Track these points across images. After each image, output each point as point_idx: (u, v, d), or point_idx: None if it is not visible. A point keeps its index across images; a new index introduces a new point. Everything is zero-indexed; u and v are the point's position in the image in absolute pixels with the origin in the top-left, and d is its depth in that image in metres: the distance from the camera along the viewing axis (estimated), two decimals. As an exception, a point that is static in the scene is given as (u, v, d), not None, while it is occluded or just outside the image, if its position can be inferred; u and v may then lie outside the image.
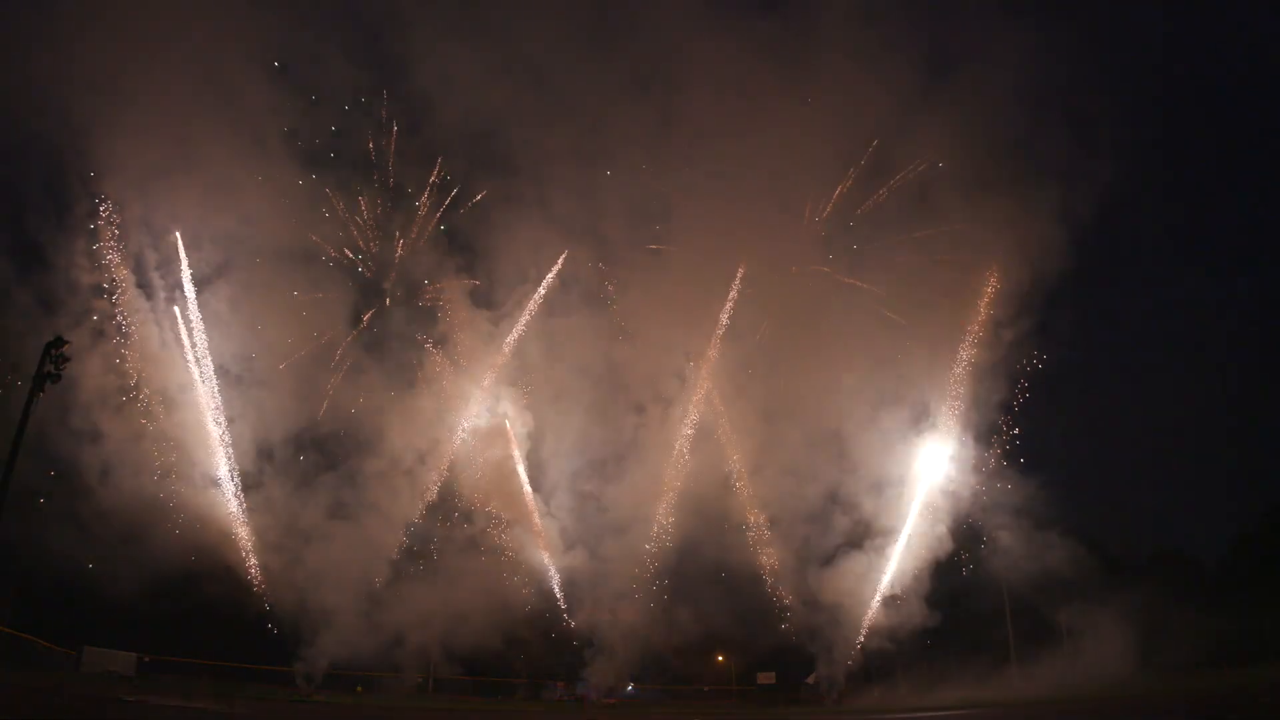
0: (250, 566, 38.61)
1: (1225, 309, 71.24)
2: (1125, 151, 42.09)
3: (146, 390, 37.47)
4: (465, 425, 42.20)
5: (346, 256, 42.53)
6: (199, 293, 38.92)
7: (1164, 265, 74.91)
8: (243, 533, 38.65)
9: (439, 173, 43.01)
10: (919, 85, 40.92)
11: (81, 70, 35.29)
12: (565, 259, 43.08)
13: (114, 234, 37.33)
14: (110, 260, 37.30)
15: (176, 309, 38.54)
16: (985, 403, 40.40)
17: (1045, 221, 38.49)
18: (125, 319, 37.41)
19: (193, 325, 38.57)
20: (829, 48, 40.79)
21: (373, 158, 42.56)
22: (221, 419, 38.62)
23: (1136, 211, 62.59)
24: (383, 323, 43.30)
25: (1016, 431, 40.11)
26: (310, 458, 41.04)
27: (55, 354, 24.08)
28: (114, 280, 37.36)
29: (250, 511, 38.99)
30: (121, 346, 37.17)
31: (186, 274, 38.52)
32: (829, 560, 41.23)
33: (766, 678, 46.99)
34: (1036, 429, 40.57)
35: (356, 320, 42.53)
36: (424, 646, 40.26)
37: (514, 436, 42.77)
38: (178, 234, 38.50)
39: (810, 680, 42.69)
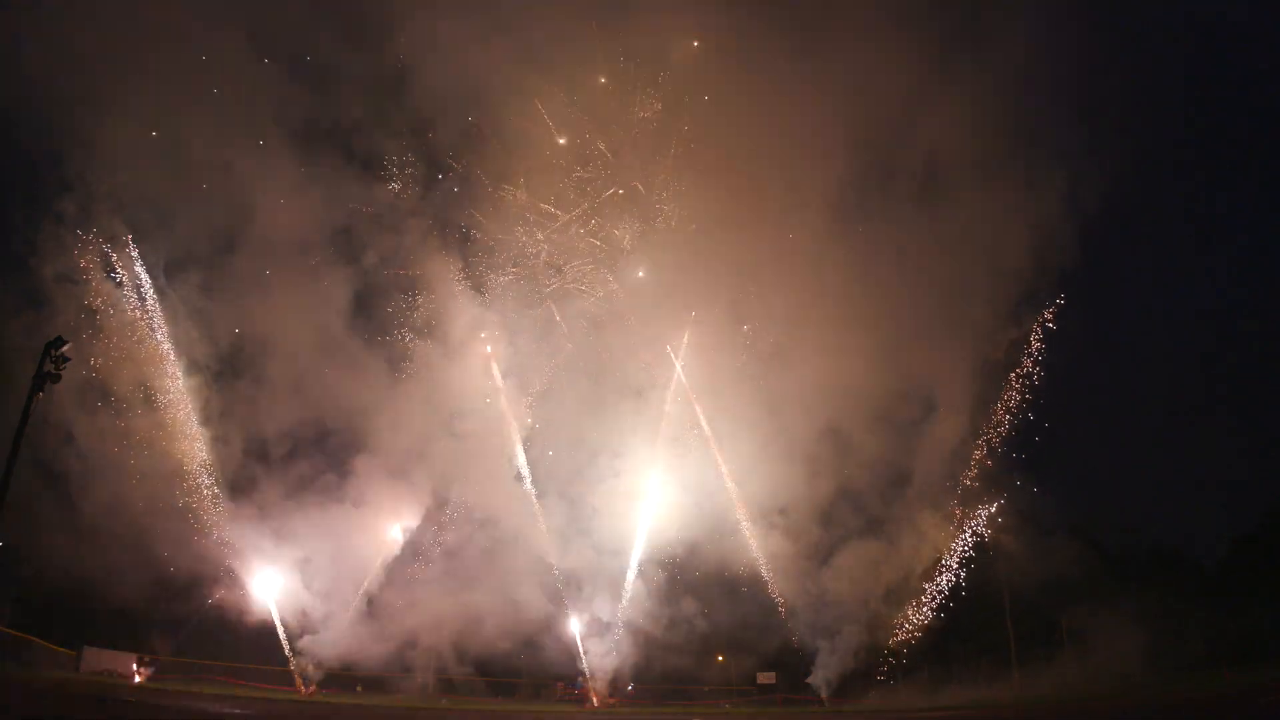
0: (249, 567, 38.35)
1: (1225, 309, 71.16)
2: (1131, 146, 41.67)
3: (131, 387, 36.78)
4: (459, 421, 41.52)
5: (335, 241, 41.39)
6: (184, 284, 38.33)
7: (1163, 265, 74.93)
8: (241, 532, 38.42)
9: (428, 152, 42.05)
10: (930, 67, 40.33)
11: (50, 47, 34.36)
12: (562, 243, 42.34)
13: (91, 222, 36.24)
14: (88, 251, 36.22)
15: (155, 303, 37.61)
16: (990, 400, 40.27)
17: (1049, 218, 38.45)
18: (118, 314, 36.60)
19: (181, 320, 38.10)
20: (840, 25, 40.14)
21: (358, 138, 41.65)
22: (212, 416, 38.18)
23: (1137, 211, 62.69)
24: (375, 311, 42.29)
25: (1018, 431, 40.00)
26: (305, 455, 40.62)
27: (55, 354, 23.94)
28: (95, 273, 36.42)
29: (249, 511, 38.80)
30: (101, 340, 36.27)
31: (161, 265, 37.85)
32: (832, 557, 41.12)
33: (766, 678, 46.93)
34: (1038, 429, 40.30)
35: (349, 309, 41.33)
36: (423, 647, 40.15)
37: (509, 430, 42.26)
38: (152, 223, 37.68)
39: (810, 680, 42.62)
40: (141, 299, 37.32)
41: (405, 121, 41.79)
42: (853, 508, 41.44)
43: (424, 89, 40.77)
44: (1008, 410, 39.94)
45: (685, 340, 42.91)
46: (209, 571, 37.64)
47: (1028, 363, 39.74)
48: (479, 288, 42.63)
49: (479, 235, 42.67)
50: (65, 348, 24.16)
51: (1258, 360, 63.37)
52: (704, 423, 42.16)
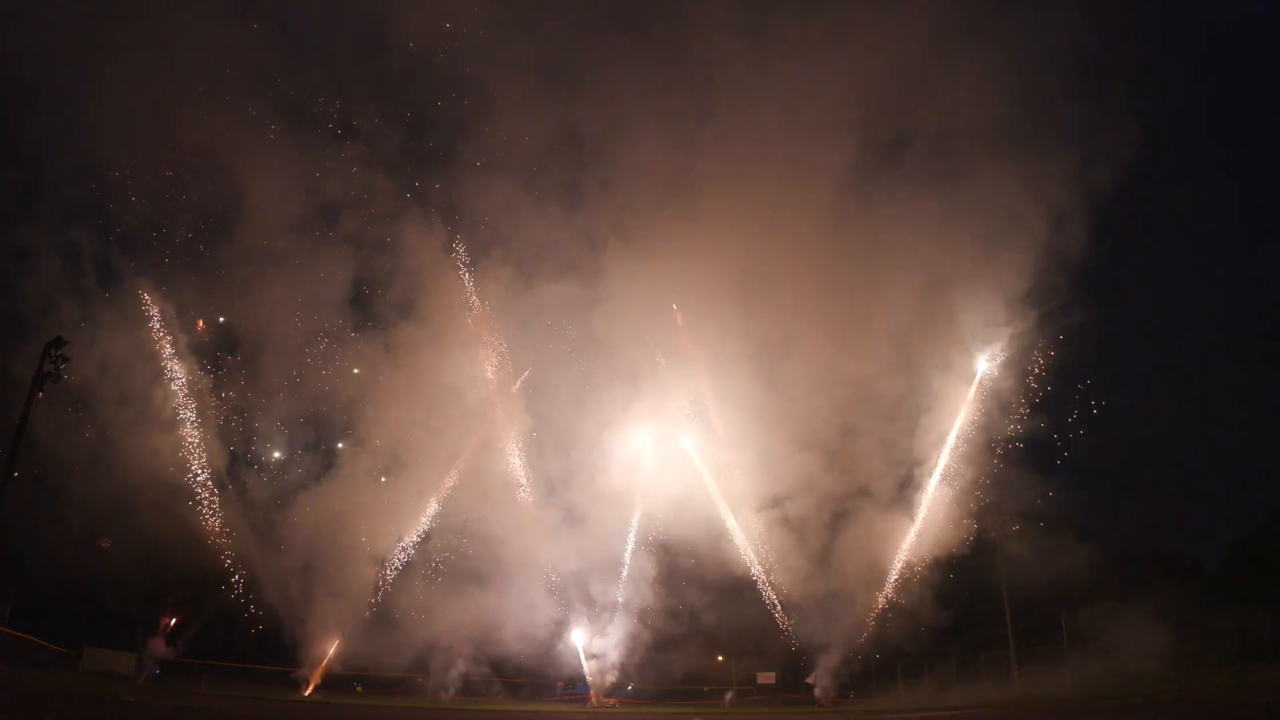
0: (249, 567, 38.28)
1: (1226, 309, 71.19)
2: (1141, 141, 40.72)
3: (123, 384, 36.36)
4: (446, 410, 40.57)
5: (317, 221, 40.30)
6: (164, 270, 37.57)
7: (1166, 265, 74.91)
8: (240, 532, 38.29)
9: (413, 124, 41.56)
10: (942, 40, 39.67)
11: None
12: (548, 223, 41.71)
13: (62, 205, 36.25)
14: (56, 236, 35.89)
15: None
16: (996, 398, 40.05)
17: (1058, 213, 38.05)
18: (100, 307, 36.26)
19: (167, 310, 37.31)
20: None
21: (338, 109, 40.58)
22: (207, 410, 37.82)
23: (1142, 209, 62.59)
24: (363, 297, 41.53)
25: (1021, 428, 39.77)
26: (302, 451, 40.26)
27: (55, 354, 23.96)
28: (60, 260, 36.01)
29: (247, 510, 38.64)
30: (95, 336, 35.59)
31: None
32: (833, 553, 40.86)
33: (766, 678, 46.86)
34: (1040, 427, 40.12)
35: (335, 292, 40.18)
36: (427, 647, 40.07)
37: (502, 421, 41.67)
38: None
39: (810, 680, 42.58)
40: (119, 284, 37.13)
41: (388, 95, 41.14)
42: (853, 502, 41.23)
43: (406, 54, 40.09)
44: (1010, 406, 39.86)
45: (682, 323, 42.37)
46: (209, 571, 37.65)
47: (1034, 359, 39.56)
48: (467, 267, 41.63)
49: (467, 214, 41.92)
50: (65, 347, 24.19)
51: (1260, 360, 63.37)
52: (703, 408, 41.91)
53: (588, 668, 41.93)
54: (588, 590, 41.64)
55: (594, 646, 41.49)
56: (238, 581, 37.54)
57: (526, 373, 42.15)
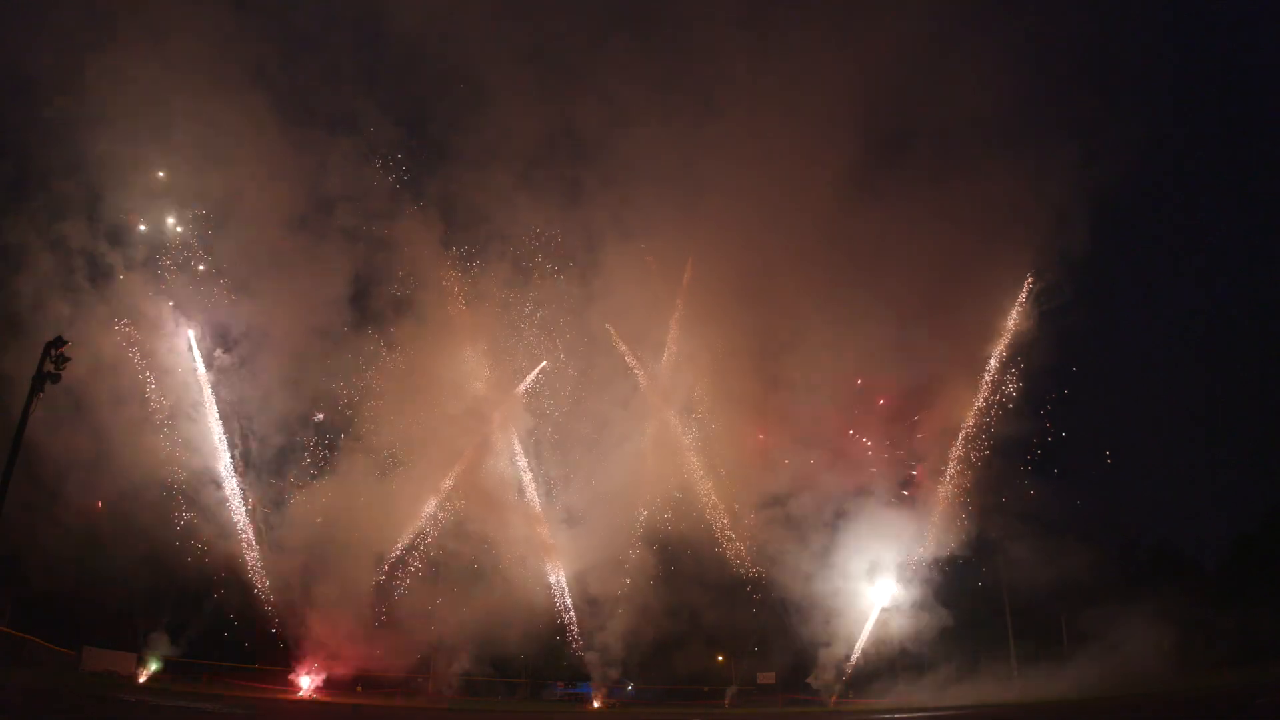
0: (251, 568, 38.20)
1: (1225, 309, 71.07)
2: (1128, 143, 40.77)
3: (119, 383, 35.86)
4: (446, 408, 40.34)
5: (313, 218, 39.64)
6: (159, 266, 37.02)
7: (1162, 266, 74.78)
8: (241, 533, 38.18)
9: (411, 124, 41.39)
10: (944, 36, 39.98)
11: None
12: (547, 218, 41.30)
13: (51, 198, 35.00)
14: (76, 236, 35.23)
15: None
16: (998, 396, 39.96)
17: (1057, 211, 38.04)
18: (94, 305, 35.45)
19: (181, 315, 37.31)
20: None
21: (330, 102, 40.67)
22: (211, 410, 37.55)
23: (1142, 207, 62.50)
24: (369, 297, 41.04)
25: (1021, 428, 39.72)
26: (305, 452, 40.07)
27: (55, 354, 23.82)
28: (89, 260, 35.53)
29: (247, 510, 38.48)
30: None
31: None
32: (831, 552, 40.81)
33: (766, 677, 46.83)
34: (1041, 427, 40.07)
35: (329, 289, 39.45)
36: (428, 647, 39.99)
37: (502, 419, 41.53)
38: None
39: (810, 680, 42.58)
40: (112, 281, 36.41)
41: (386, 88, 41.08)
42: (854, 501, 41.16)
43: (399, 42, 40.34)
44: (1010, 406, 39.83)
45: (676, 318, 42.15)
46: (210, 571, 37.56)
47: (1035, 357, 39.53)
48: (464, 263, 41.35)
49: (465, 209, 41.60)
50: (65, 347, 24.05)
51: (1260, 359, 63.27)
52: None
53: (588, 667, 41.92)
54: (588, 589, 41.60)
55: (594, 646, 41.47)
56: (227, 594, 37.49)
57: (536, 370, 42.01)
